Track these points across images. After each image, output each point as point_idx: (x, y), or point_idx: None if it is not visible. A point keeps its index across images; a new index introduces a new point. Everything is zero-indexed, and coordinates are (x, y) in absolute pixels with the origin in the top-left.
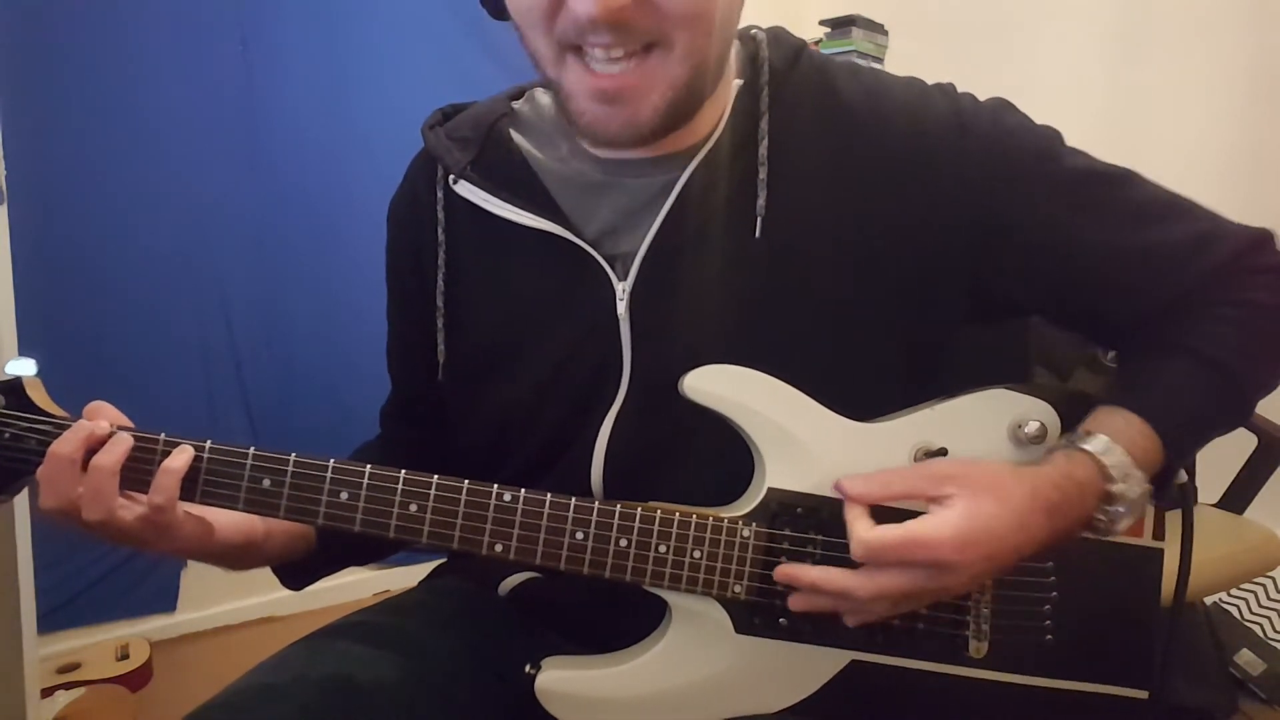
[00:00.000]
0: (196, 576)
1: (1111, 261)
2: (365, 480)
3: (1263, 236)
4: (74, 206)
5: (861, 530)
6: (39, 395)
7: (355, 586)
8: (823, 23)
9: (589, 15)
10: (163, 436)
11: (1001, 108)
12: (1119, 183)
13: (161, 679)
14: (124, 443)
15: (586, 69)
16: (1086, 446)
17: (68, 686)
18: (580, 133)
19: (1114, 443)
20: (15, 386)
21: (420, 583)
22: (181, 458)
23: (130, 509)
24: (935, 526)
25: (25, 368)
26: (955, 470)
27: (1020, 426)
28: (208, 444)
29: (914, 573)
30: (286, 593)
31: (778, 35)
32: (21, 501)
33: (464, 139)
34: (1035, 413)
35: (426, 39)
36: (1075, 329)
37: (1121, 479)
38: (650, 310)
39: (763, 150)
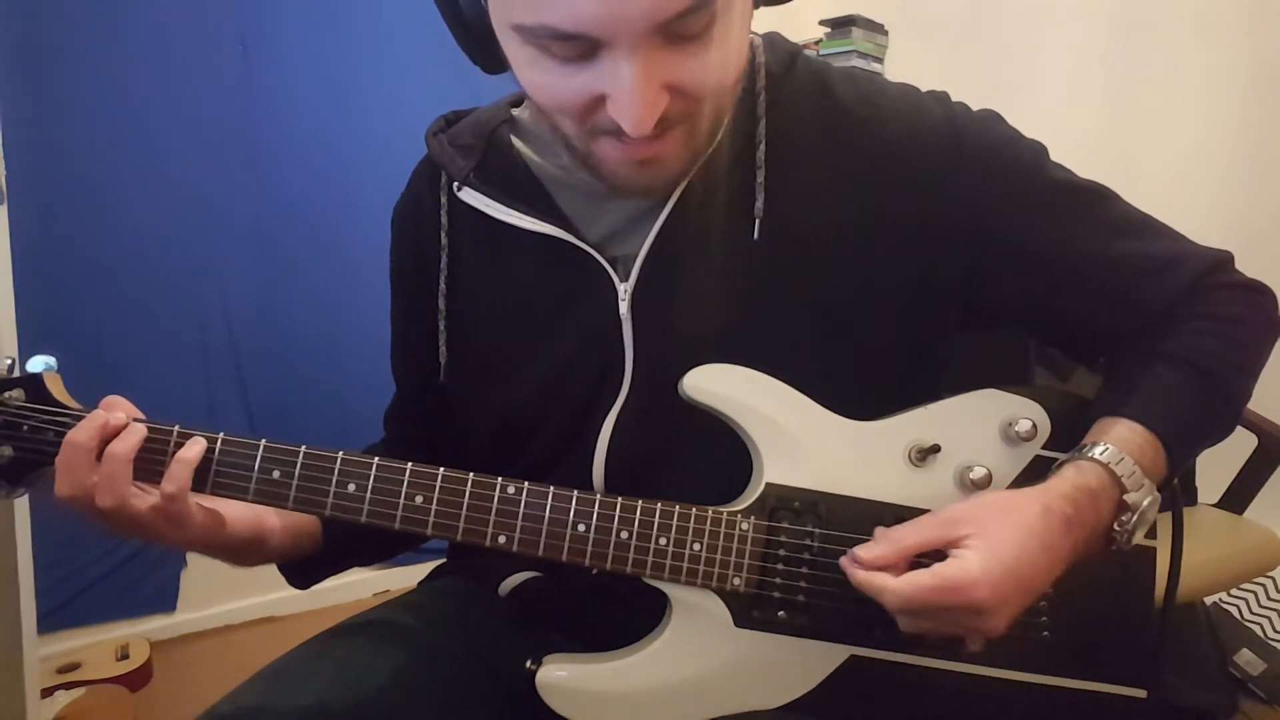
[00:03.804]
0: (196, 576)
1: (1093, 270)
2: (372, 472)
3: (1225, 257)
4: (74, 206)
5: (890, 581)
6: (58, 390)
7: (355, 586)
8: (823, 23)
9: (635, 133)
10: (176, 428)
11: (993, 119)
12: (1100, 197)
13: (161, 679)
14: (139, 432)
15: (619, 144)
16: (1094, 456)
17: (68, 686)
18: (607, 186)
19: (1121, 451)
20: (36, 381)
21: (420, 583)
22: (195, 449)
23: (143, 498)
24: (962, 569)
25: (46, 364)
26: (964, 511)
27: (1011, 425)
28: (220, 436)
29: (953, 616)
30: (286, 593)
31: (773, 40)
32: (23, 502)
33: (467, 146)
34: (1026, 412)
35: (427, 39)
36: (1058, 342)
37: (1134, 488)
38: (652, 311)
39: (760, 154)
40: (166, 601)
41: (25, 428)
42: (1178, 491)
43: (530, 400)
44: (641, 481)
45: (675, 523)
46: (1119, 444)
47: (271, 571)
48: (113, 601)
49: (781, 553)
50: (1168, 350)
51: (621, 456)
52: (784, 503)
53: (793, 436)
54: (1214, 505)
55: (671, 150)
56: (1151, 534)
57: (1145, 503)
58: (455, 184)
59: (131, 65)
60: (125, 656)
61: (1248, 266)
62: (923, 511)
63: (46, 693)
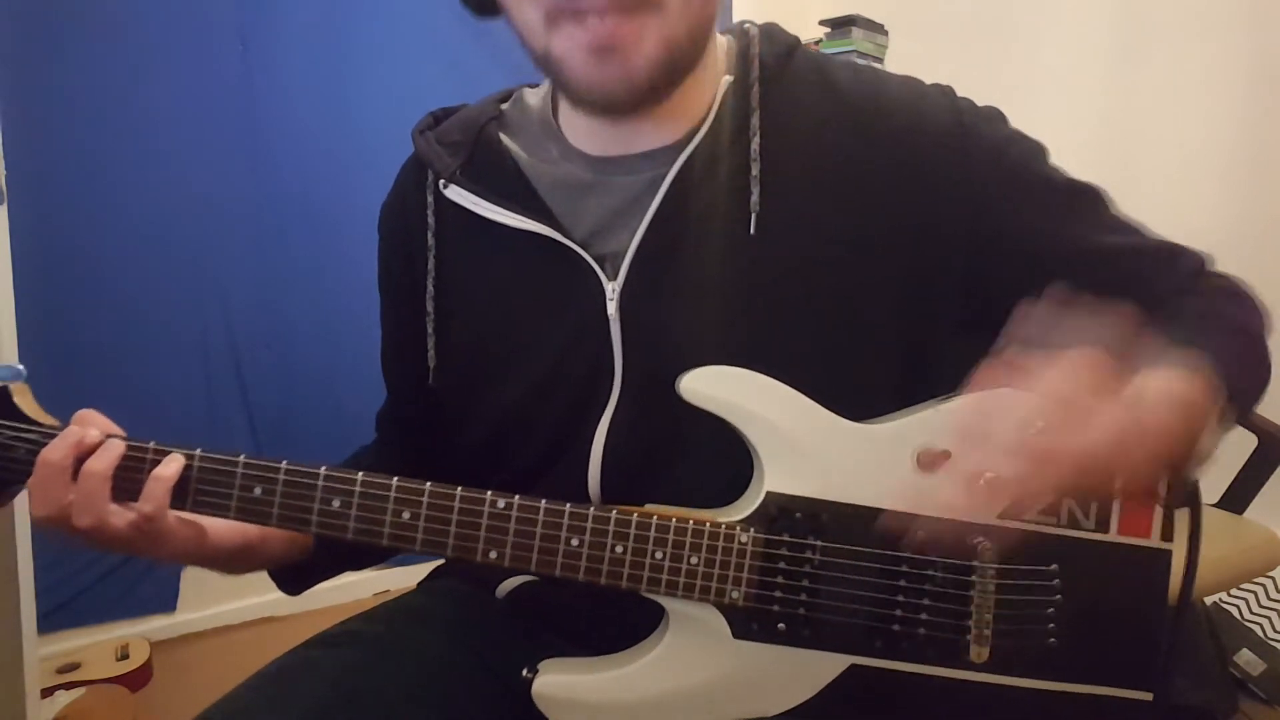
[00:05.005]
0: (196, 577)
1: (1093, 264)
2: (357, 488)
3: (1208, 257)
4: (74, 206)
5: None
6: (27, 403)
7: (355, 586)
8: (823, 23)
9: None
10: (152, 445)
11: (997, 116)
12: (1097, 198)
13: (161, 679)
14: (116, 448)
15: (578, 26)
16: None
17: (68, 686)
18: (574, 97)
19: (1175, 375)
20: (2, 394)
21: (419, 584)
22: (172, 466)
23: (121, 515)
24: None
25: (13, 373)
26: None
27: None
28: (198, 452)
29: (1005, 433)
30: None
31: (770, 31)
32: (22, 502)
33: (454, 143)
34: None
35: (426, 39)
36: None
37: (1188, 385)
38: (641, 310)
39: (755, 146)
40: (166, 601)
41: None
42: (1198, 492)
43: (521, 402)
44: (639, 483)
45: (671, 536)
46: (1169, 371)
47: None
48: (113, 601)
49: (781, 565)
50: (1184, 324)
51: (617, 457)
52: (785, 513)
53: (795, 442)
54: (1214, 505)
55: (631, 33)
56: (1168, 536)
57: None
58: (442, 182)
59: (131, 65)
60: (125, 656)
61: (1248, 266)
62: (929, 518)
63: (46, 693)
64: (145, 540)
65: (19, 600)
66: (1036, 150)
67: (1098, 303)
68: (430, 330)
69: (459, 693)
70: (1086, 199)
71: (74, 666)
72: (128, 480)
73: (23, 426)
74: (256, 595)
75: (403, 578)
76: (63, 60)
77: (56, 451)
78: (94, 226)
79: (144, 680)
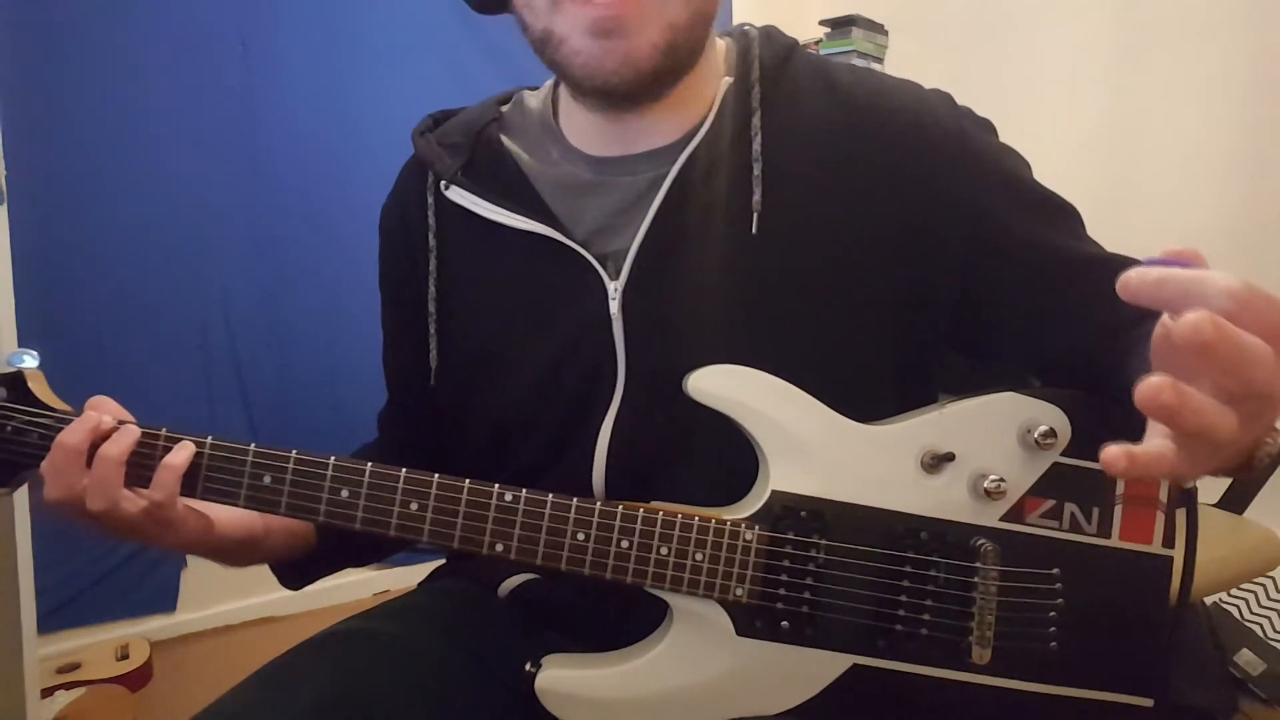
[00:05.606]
0: (196, 577)
1: (1080, 270)
2: (366, 478)
3: None
4: (74, 206)
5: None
6: (41, 388)
7: (355, 586)
8: (823, 23)
9: None
10: (164, 431)
11: (991, 126)
12: (1077, 215)
13: (161, 679)
14: (131, 434)
15: (582, 3)
16: None
17: (68, 686)
18: (575, 83)
19: None
20: (17, 379)
21: (420, 584)
22: (182, 454)
23: (133, 501)
24: None
25: (28, 360)
26: None
27: (1030, 431)
28: (209, 440)
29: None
30: (287, 593)
31: (769, 33)
32: (22, 502)
33: (454, 144)
34: (1045, 417)
35: (426, 40)
36: (1051, 354)
37: None
38: (643, 309)
39: (756, 146)
40: (166, 601)
41: (9, 428)
42: (1193, 496)
43: (523, 403)
44: (642, 481)
45: (677, 532)
46: None
47: (270, 571)
48: (113, 601)
49: (785, 563)
50: None
51: (621, 456)
52: (789, 511)
53: (801, 442)
54: (1214, 505)
55: (636, 13)
56: (1169, 542)
57: None
58: (443, 183)
59: (131, 65)
60: (125, 656)
61: (1248, 266)
62: (934, 520)
63: (46, 693)
64: (155, 527)
65: (19, 600)
66: (1025, 163)
67: (1086, 311)
68: (432, 331)
69: (459, 692)
70: (1071, 214)
71: (74, 666)
72: (139, 467)
73: (37, 411)
74: (256, 595)
75: (403, 578)
76: (63, 61)
77: (74, 435)
78: (94, 227)
79: (144, 680)
